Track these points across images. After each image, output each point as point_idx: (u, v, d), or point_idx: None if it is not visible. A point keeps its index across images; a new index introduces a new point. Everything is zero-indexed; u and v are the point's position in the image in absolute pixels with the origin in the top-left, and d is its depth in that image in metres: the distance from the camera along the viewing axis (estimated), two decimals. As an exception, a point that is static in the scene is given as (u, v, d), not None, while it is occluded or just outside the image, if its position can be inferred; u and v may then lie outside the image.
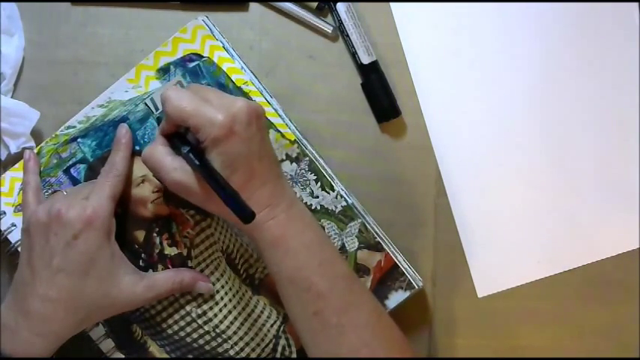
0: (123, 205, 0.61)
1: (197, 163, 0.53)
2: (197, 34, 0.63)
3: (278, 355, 0.63)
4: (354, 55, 0.65)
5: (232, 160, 0.54)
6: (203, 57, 0.63)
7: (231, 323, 0.62)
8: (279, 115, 0.63)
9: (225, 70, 0.63)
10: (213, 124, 0.53)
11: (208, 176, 0.53)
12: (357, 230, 0.63)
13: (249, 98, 0.62)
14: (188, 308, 0.62)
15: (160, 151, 0.56)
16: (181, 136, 0.57)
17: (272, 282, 0.63)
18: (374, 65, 0.65)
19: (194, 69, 0.63)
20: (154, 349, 0.63)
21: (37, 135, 0.64)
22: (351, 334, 0.54)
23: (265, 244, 0.56)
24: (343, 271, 0.57)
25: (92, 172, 0.62)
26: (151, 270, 0.62)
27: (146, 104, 0.63)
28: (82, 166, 0.63)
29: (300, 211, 0.57)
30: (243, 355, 0.62)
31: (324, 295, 0.55)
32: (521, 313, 0.66)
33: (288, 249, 0.55)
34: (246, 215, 0.51)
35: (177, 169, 0.55)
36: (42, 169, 0.63)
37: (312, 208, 0.63)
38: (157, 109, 0.63)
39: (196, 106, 0.54)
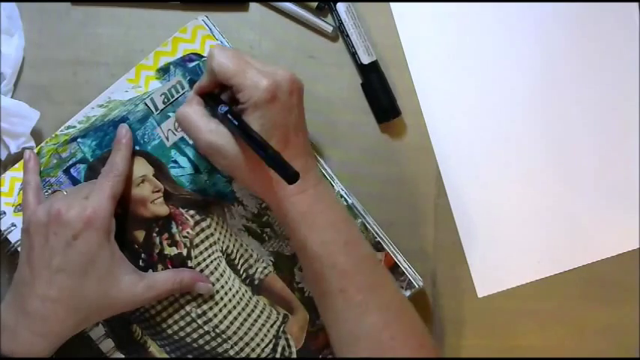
0: (123, 205, 0.61)
1: (236, 123, 0.52)
2: (197, 34, 0.63)
3: (278, 355, 0.63)
4: (354, 55, 0.65)
5: (271, 126, 0.53)
6: (203, 57, 0.63)
7: (231, 323, 0.62)
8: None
9: (225, 70, 0.63)
10: (257, 86, 0.53)
11: (248, 137, 0.52)
12: (357, 230, 0.63)
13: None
14: (188, 308, 0.62)
15: (196, 111, 0.56)
16: (215, 98, 0.56)
17: (272, 282, 0.63)
18: (374, 65, 0.65)
19: (194, 69, 0.63)
20: (154, 349, 0.63)
21: (37, 135, 0.64)
22: (374, 312, 0.54)
23: (291, 219, 0.55)
24: (368, 251, 0.57)
25: (92, 172, 0.62)
26: (150, 270, 0.62)
27: (146, 104, 0.63)
28: (82, 166, 0.63)
29: (326, 188, 0.57)
30: (243, 355, 0.62)
31: (349, 274, 0.54)
32: (521, 313, 0.66)
33: (314, 225, 0.55)
34: (291, 175, 0.50)
35: (212, 130, 0.55)
36: (42, 169, 0.63)
37: (312, 208, 0.63)
38: (156, 109, 0.63)
39: (242, 66, 0.54)
